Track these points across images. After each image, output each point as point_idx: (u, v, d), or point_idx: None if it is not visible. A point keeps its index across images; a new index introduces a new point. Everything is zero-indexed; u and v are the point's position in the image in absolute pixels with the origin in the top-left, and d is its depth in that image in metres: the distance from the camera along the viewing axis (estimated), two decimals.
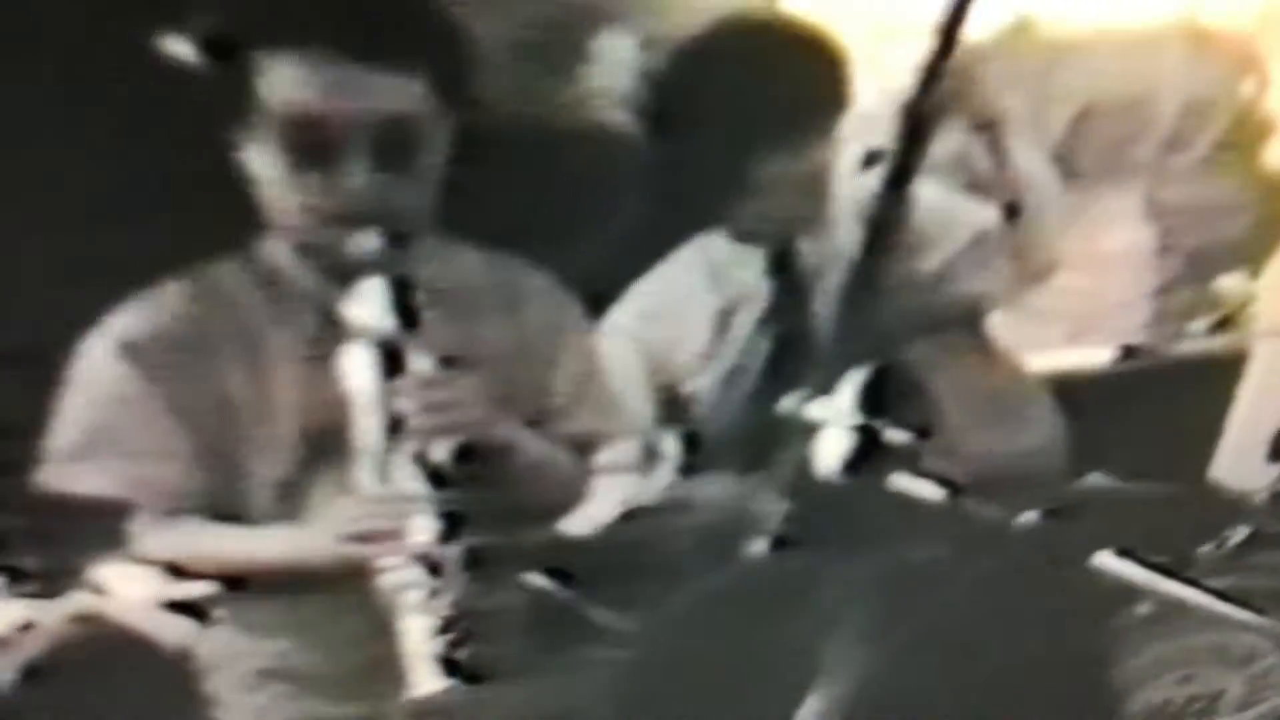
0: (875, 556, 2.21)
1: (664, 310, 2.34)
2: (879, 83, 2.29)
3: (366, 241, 1.94)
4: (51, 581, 1.93)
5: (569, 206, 2.19)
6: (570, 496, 2.20)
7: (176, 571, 1.96)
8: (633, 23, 2.32)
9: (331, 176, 1.97)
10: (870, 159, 2.23)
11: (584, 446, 2.21)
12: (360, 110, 1.96)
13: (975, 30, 2.22)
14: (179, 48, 1.91)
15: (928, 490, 2.15)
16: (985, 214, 2.37)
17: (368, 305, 1.94)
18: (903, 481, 2.14)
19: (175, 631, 1.95)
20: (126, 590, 1.95)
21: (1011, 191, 2.33)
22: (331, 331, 1.97)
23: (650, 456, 2.29)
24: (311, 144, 1.96)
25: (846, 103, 2.29)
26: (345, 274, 1.96)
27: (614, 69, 2.29)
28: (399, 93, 1.98)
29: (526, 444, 2.10)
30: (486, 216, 2.11)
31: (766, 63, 2.25)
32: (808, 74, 2.26)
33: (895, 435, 2.15)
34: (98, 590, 1.95)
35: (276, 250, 2.05)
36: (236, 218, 2.00)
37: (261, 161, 1.98)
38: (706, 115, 2.23)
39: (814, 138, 2.29)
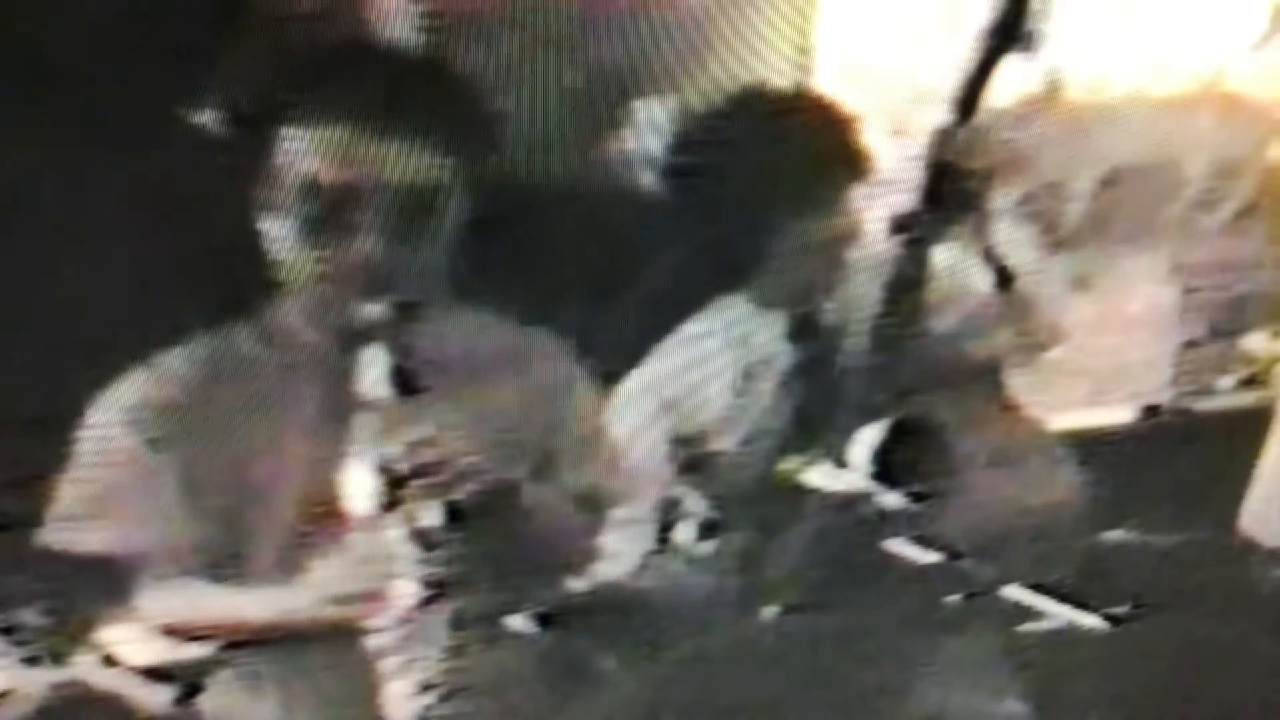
0: (886, 619, 2.14)
1: (684, 373, 2.23)
2: (907, 149, 2.15)
3: (375, 310, 1.85)
4: (51, 641, 1.84)
5: (592, 269, 2.09)
6: (579, 550, 2.11)
7: (173, 634, 1.87)
8: (669, 91, 2.20)
9: (347, 243, 1.87)
10: (898, 225, 2.11)
11: (594, 503, 2.10)
12: (377, 179, 1.86)
13: (1002, 95, 2.10)
14: (202, 118, 1.82)
15: (925, 555, 2.11)
16: (990, 280, 2.27)
17: (369, 372, 1.85)
18: (900, 546, 2.09)
19: (161, 698, 1.85)
20: (125, 653, 1.86)
21: (997, 259, 2.23)
22: (339, 397, 1.87)
23: (670, 515, 2.17)
24: (327, 211, 1.87)
25: (864, 173, 2.18)
26: (354, 339, 1.87)
27: (648, 130, 2.16)
28: (417, 162, 1.88)
29: (529, 494, 2.00)
30: (505, 279, 2.01)
31: (783, 133, 2.15)
32: (824, 147, 2.17)
33: (900, 499, 2.08)
34: (99, 652, 1.86)
35: (289, 313, 1.95)
36: (248, 281, 1.91)
37: (276, 226, 1.89)
38: (728, 179, 2.13)
39: (830, 207, 2.19)
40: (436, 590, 1.83)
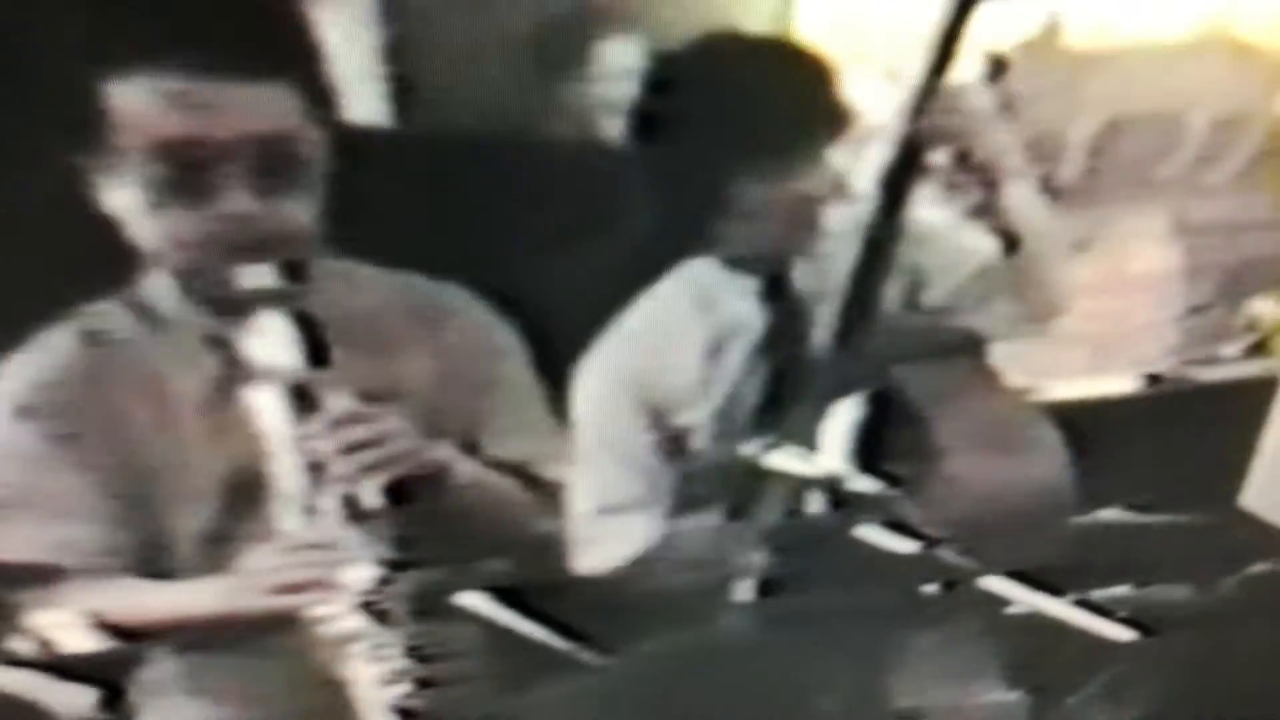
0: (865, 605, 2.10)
1: (651, 339, 2.10)
2: (891, 100, 2.04)
3: (257, 274, 1.72)
4: None
5: (556, 224, 1.97)
6: (520, 521, 1.98)
7: (109, 629, 1.77)
8: (638, 30, 2.07)
9: (205, 205, 1.72)
10: (881, 180, 2.01)
11: (534, 474, 1.99)
12: (228, 131, 1.71)
13: (999, 40, 2.04)
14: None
15: (899, 543, 2.07)
16: (991, 245, 2.13)
17: (270, 343, 1.72)
18: (874, 535, 2.06)
19: (79, 701, 1.76)
20: (60, 641, 1.76)
21: (1005, 222, 2.11)
22: (235, 371, 1.76)
23: (649, 491, 2.10)
24: (180, 172, 1.71)
25: (841, 128, 2.05)
26: (238, 308, 1.74)
27: (616, 74, 2.04)
28: (269, 110, 1.73)
29: (463, 469, 1.88)
30: (457, 235, 1.90)
31: (760, 81, 2.02)
32: (800, 96, 2.04)
33: (873, 484, 2.04)
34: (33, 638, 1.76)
35: (158, 286, 1.80)
36: (108, 254, 1.75)
37: (124, 194, 1.73)
38: (700, 128, 2.01)
39: (805, 161, 2.05)
40: (388, 574, 1.73)
